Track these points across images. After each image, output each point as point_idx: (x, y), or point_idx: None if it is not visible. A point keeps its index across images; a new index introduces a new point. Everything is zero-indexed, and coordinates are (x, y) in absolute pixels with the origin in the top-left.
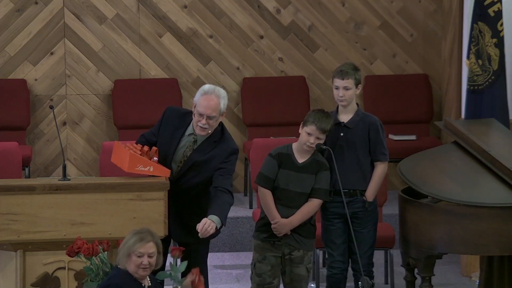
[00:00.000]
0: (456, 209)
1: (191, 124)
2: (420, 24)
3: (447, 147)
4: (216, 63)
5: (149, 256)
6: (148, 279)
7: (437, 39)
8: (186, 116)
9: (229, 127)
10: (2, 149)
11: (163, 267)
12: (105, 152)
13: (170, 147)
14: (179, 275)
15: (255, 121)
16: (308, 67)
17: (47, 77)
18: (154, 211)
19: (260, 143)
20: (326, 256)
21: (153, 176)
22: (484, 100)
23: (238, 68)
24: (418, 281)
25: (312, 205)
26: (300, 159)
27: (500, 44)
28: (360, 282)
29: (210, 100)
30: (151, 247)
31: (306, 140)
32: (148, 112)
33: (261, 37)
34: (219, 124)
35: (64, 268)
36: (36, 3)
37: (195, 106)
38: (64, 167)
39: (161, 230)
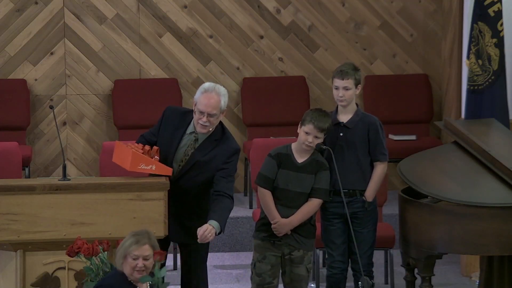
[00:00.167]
0: (456, 209)
1: (191, 122)
2: (420, 24)
3: (447, 147)
4: (216, 63)
5: (145, 259)
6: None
7: (437, 39)
8: (186, 115)
9: (229, 127)
10: (2, 149)
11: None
12: (105, 152)
13: (171, 146)
14: (161, 279)
15: (255, 121)
16: (308, 67)
17: (47, 77)
18: (154, 211)
19: (260, 143)
20: (326, 256)
21: (153, 176)
22: (484, 100)
23: (238, 68)
24: (418, 281)
25: (312, 205)
26: (300, 159)
27: (500, 44)
28: (360, 282)
29: (211, 98)
30: (146, 250)
31: (304, 139)
32: (148, 112)
33: (261, 37)
34: (219, 122)
35: (64, 268)
36: (36, 3)
37: (195, 104)
38: (64, 167)
39: (161, 230)
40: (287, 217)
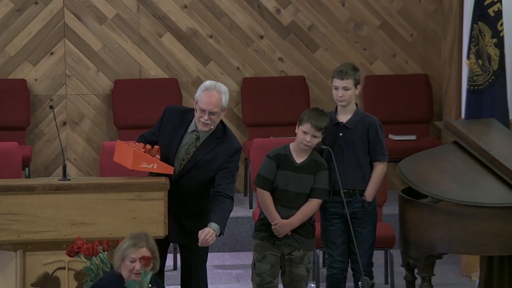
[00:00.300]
0: (456, 209)
1: (192, 121)
2: (420, 24)
3: (447, 147)
4: (216, 63)
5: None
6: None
7: (437, 39)
8: (187, 114)
9: (229, 127)
10: (2, 149)
11: (162, 270)
12: (105, 152)
13: (172, 145)
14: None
15: (255, 121)
16: (308, 67)
17: (47, 77)
18: (154, 211)
19: (260, 143)
20: (326, 256)
21: (153, 176)
22: (484, 100)
23: (238, 68)
24: (418, 281)
25: (312, 205)
26: (298, 159)
27: (500, 44)
28: (360, 282)
29: (212, 96)
30: (143, 253)
31: (302, 139)
32: (148, 112)
33: (261, 37)
34: (220, 121)
35: (64, 268)
36: (36, 3)
37: (196, 103)
38: (64, 167)
39: (161, 230)
40: (287, 217)
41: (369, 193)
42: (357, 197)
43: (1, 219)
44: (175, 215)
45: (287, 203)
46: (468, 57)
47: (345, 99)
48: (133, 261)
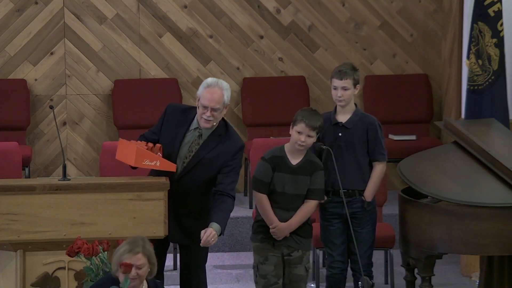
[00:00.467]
0: (456, 209)
1: (195, 118)
2: (420, 24)
3: (447, 147)
4: (216, 63)
5: (138, 268)
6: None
7: (437, 39)
8: (189, 112)
9: None
10: (2, 149)
11: (161, 271)
12: (105, 152)
13: (175, 143)
14: None
15: (255, 121)
16: (308, 67)
17: (47, 77)
18: (154, 211)
19: (260, 143)
20: (326, 256)
21: (152, 176)
22: (484, 100)
23: (238, 68)
24: (418, 281)
25: (310, 207)
26: (294, 160)
27: (500, 44)
28: (360, 282)
29: (214, 92)
30: (139, 259)
31: (297, 139)
32: (148, 112)
33: (261, 37)
34: (222, 118)
35: (64, 268)
36: (36, 3)
37: (198, 100)
38: (64, 167)
39: (161, 230)
40: (285, 219)
41: (369, 193)
42: (357, 197)
43: (1, 219)
44: (175, 215)
45: (284, 205)
46: (468, 57)
47: (344, 99)
48: None
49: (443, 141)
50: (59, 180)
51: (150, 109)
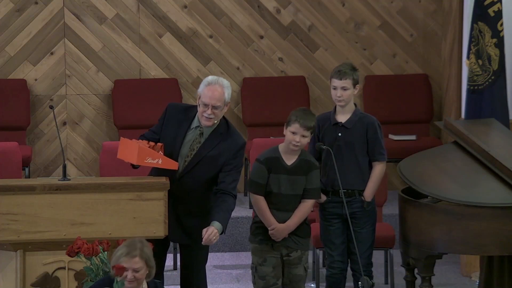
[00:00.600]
0: (456, 209)
1: (195, 117)
2: (420, 24)
3: (447, 147)
4: (216, 63)
5: (135, 271)
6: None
7: (437, 39)
8: (189, 110)
9: None
10: (2, 149)
11: (161, 271)
12: (105, 152)
13: (176, 141)
14: None
15: (255, 121)
16: (308, 67)
17: (47, 77)
18: (154, 211)
19: (260, 143)
20: (326, 256)
21: (153, 176)
22: (484, 100)
23: (238, 68)
24: (418, 281)
25: (307, 206)
26: (289, 160)
27: (500, 44)
28: (360, 282)
29: (215, 90)
30: (136, 263)
31: (292, 139)
32: (148, 112)
33: (261, 37)
34: (223, 117)
35: (64, 268)
36: (36, 3)
37: (199, 98)
38: (64, 167)
39: (161, 230)
40: (283, 220)
41: (368, 193)
42: (356, 197)
43: (1, 219)
44: (177, 215)
45: (281, 206)
46: (468, 57)
47: (343, 99)
48: (126, 270)
49: (443, 141)
50: (59, 180)
51: (150, 109)
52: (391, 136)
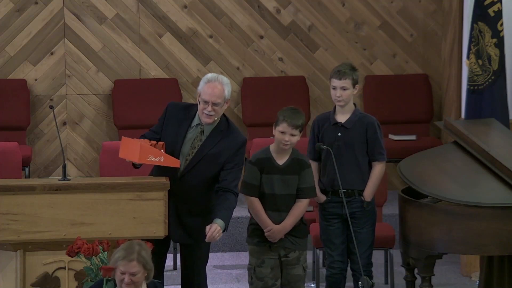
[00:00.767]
0: (456, 209)
1: (196, 115)
2: (420, 24)
3: (447, 147)
4: (216, 63)
5: (132, 274)
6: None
7: (437, 39)
8: (190, 109)
9: None
10: (2, 149)
11: (161, 272)
12: (105, 152)
13: (177, 140)
14: None
15: (255, 121)
16: (308, 67)
17: (47, 77)
18: (154, 211)
19: (260, 143)
20: (326, 256)
21: (154, 175)
22: (484, 100)
23: (238, 68)
24: (418, 281)
25: (302, 206)
26: (280, 160)
27: (500, 44)
28: (360, 282)
29: (214, 87)
30: (133, 267)
31: (281, 139)
32: (148, 112)
33: (261, 37)
34: (223, 114)
35: (64, 268)
36: (36, 3)
37: (199, 95)
38: (64, 167)
39: (161, 230)
40: (279, 221)
41: (368, 193)
42: (356, 197)
43: (1, 219)
44: (178, 214)
45: (276, 206)
46: (468, 57)
47: (343, 99)
48: (123, 273)
49: (443, 141)
50: (59, 180)
51: (150, 109)
52: (391, 136)
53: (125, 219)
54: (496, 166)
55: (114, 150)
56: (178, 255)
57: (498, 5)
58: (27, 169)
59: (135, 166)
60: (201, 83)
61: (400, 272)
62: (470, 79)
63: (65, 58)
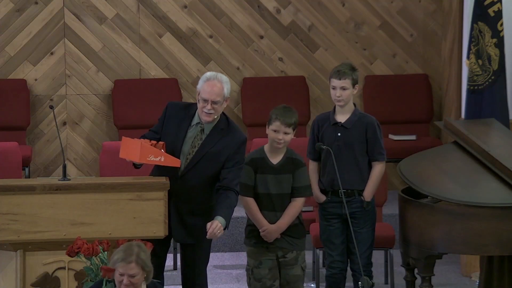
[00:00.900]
0: (456, 209)
1: (196, 114)
2: (420, 24)
3: (447, 147)
4: (216, 63)
5: (131, 276)
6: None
7: (437, 39)
8: (189, 108)
9: None
10: (2, 149)
11: (161, 272)
12: (105, 152)
13: (177, 139)
14: None
15: (255, 121)
16: (308, 67)
17: (47, 77)
18: (154, 211)
19: (260, 143)
20: (326, 256)
21: (154, 175)
22: (484, 100)
23: (238, 68)
24: (418, 281)
25: (297, 205)
26: (274, 160)
27: (500, 44)
28: (360, 282)
29: (214, 85)
30: (132, 268)
31: (274, 137)
32: (148, 112)
33: (261, 37)
34: (222, 113)
35: (64, 268)
36: (36, 3)
37: (199, 94)
38: (64, 167)
39: (161, 230)
40: (274, 221)
41: (368, 193)
42: (356, 197)
43: (1, 219)
44: (179, 214)
45: (271, 206)
46: (468, 57)
47: (343, 99)
48: (121, 275)
49: (443, 141)
50: (59, 180)
51: (150, 109)
52: (391, 136)
53: (125, 219)
54: (496, 166)
55: (114, 150)
56: (178, 255)
57: (498, 5)
58: (27, 169)
59: (136, 166)
60: (200, 82)
61: (400, 272)
62: (470, 79)
63: (65, 58)
